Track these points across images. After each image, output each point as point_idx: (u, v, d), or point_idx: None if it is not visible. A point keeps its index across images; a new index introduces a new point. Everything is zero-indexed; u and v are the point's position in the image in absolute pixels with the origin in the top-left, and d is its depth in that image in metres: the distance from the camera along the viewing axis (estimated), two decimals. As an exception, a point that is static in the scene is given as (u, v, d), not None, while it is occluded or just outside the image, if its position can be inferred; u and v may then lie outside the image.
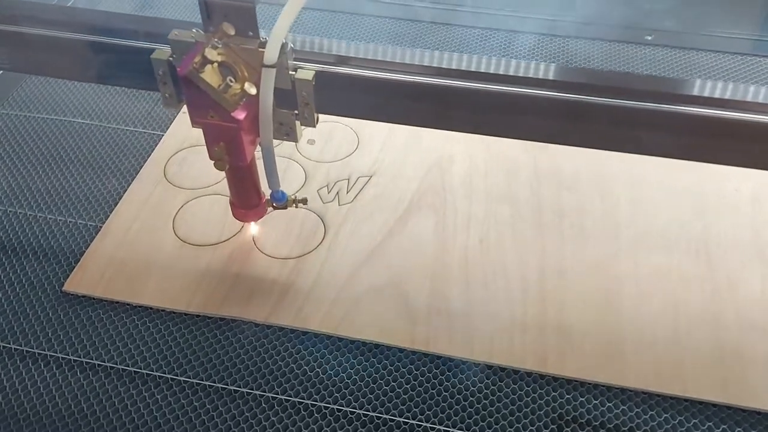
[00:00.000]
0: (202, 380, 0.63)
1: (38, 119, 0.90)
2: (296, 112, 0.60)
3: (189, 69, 0.55)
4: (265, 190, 0.68)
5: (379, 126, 0.88)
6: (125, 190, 0.80)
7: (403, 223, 0.76)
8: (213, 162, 0.62)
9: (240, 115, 0.57)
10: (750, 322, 0.67)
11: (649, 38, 1.02)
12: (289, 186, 0.80)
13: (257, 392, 0.62)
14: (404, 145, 0.85)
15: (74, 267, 0.72)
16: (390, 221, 0.77)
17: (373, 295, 0.69)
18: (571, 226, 0.76)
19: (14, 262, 0.73)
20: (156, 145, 0.85)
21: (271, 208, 0.70)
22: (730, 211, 0.77)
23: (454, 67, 0.58)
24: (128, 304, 0.69)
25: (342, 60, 0.59)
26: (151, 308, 0.68)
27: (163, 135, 0.87)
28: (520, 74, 0.57)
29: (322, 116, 0.71)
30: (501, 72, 0.58)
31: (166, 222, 0.76)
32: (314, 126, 0.61)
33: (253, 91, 0.56)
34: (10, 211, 0.78)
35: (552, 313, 0.68)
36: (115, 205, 0.78)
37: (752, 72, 0.97)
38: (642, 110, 0.55)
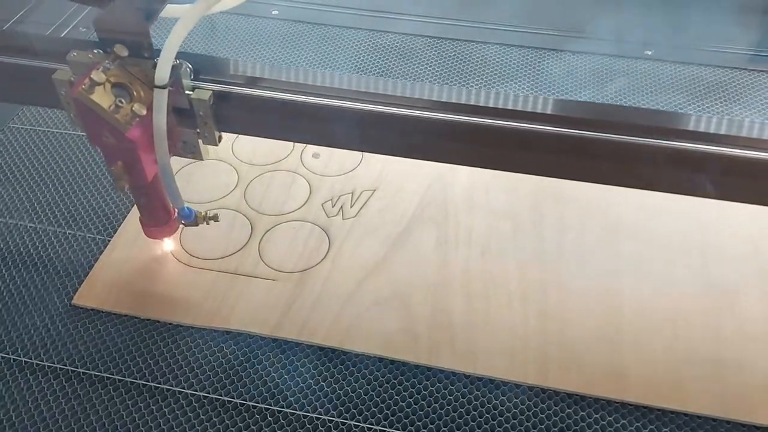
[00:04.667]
0: (209, 393, 0.64)
1: (47, 133, 0.91)
2: (198, 130, 0.61)
3: (77, 90, 0.56)
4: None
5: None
6: (133, 205, 0.81)
7: (406, 236, 0.78)
8: (114, 181, 0.63)
9: (134, 134, 0.58)
10: (750, 335, 0.68)
11: (649, 53, 1.03)
12: (293, 200, 0.81)
13: (263, 406, 0.63)
14: (407, 160, 0.86)
15: (83, 280, 0.73)
16: (393, 235, 0.78)
17: (376, 308, 0.70)
18: (571, 241, 0.77)
19: (24, 275, 0.74)
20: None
21: (181, 225, 0.70)
22: (730, 225, 0.78)
23: (353, 87, 0.60)
24: (136, 318, 0.70)
25: (248, 80, 0.60)
26: (158, 321, 0.70)
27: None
28: (433, 98, 0.59)
29: None
30: (395, 93, 0.59)
31: (173, 236, 0.77)
32: (216, 144, 0.62)
33: (143, 111, 0.58)
34: (20, 225, 0.79)
35: (553, 327, 0.69)
36: (123, 219, 0.80)
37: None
38: (644, 146, 0.56)
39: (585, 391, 0.64)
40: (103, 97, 0.57)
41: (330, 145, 0.67)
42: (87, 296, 0.72)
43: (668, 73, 1.00)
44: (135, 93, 0.58)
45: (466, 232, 0.78)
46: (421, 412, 0.63)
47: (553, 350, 0.67)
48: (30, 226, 0.79)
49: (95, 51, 0.59)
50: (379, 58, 1.03)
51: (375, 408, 0.63)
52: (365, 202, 0.81)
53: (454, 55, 1.03)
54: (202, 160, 0.65)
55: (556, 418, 0.62)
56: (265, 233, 0.78)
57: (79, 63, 0.59)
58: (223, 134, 0.63)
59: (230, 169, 0.85)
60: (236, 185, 0.83)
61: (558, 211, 0.80)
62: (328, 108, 0.60)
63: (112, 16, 0.58)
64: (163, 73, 0.57)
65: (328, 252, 0.76)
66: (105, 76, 0.57)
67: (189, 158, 0.65)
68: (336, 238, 0.77)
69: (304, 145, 0.88)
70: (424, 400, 0.64)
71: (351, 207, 0.81)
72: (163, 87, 0.57)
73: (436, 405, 0.63)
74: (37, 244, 0.77)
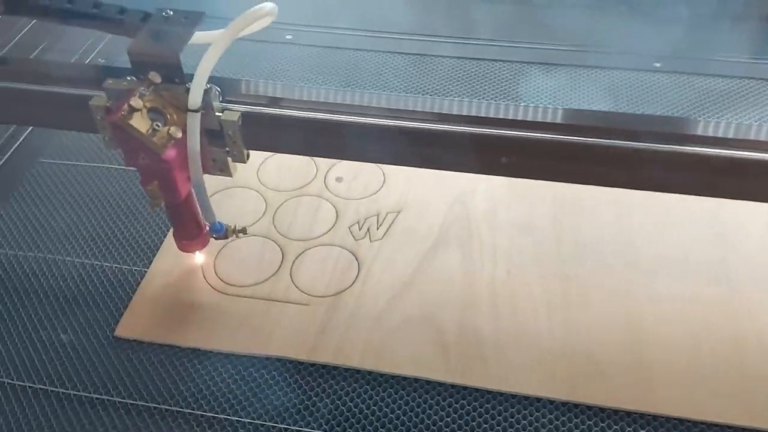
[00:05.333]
0: (254, 419, 0.66)
1: (76, 167, 0.94)
2: (227, 149, 0.65)
3: (117, 116, 0.60)
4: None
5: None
6: (165, 235, 0.84)
7: (432, 255, 0.80)
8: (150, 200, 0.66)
9: (170, 155, 0.62)
10: (772, 343, 0.70)
11: (658, 65, 1.05)
12: (321, 224, 0.84)
13: (305, 430, 0.66)
14: (428, 180, 0.89)
15: (123, 312, 0.76)
16: (419, 254, 0.80)
17: (406, 329, 0.73)
18: (592, 254, 0.79)
19: (65, 308, 0.77)
20: (191, 189, 0.89)
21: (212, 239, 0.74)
22: (749, 234, 0.80)
23: (365, 103, 0.65)
24: (177, 347, 0.73)
25: (270, 101, 0.65)
26: (199, 349, 0.72)
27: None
28: (443, 111, 0.64)
29: None
30: (416, 108, 0.65)
31: (208, 264, 0.80)
32: (245, 161, 0.67)
33: (178, 134, 0.61)
34: (58, 259, 0.82)
35: (578, 340, 0.71)
36: (157, 249, 0.82)
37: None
38: (654, 151, 0.60)
39: (614, 405, 0.66)
40: (140, 122, 0.61)
41: (351, 158, 0.73)
42: (129, 327, 0.74)
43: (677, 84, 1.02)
44: (169, 116, 0.62)
45: (490, 250, 0.80)
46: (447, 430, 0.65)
47: (580, 365, 0.69)
48: (68, 260, 0.82)
49: (129, 78, 0.63)
50: (394, 77, 1.05)
51: (414, 429, 0.65)
52: (391, 224, 0.84)
53: (467, 72, 1.06)
54: (230, 176, 0.69)
55: (589, 432, 0.64)
56: (296, 258, 0.80)
57: (115, 90, 0.63)
58: (251, 154, 0.67)
59: (257, 196, 0.88)
60: (264, 212, 0.86)
61: (577, 223, 0.82)
62: (346, 124, 0.64)
63: (144, 44, 0.62)
64: (195, 97, 0.61)
65: (357, 275, 0.78)
66: (142, 102, 0.61)
67: (218, 175, 0.68)
68: (365, 261, 0.80)
69: (327, 168, 0.91)
70: (461, 419, 0.66)
71: (377, 229, 0.83)
72: (196, 111, 0.61)
73: (474, 424, 0.65)
74: (75, 277, 0.80)
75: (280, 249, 0.81)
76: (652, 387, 0.67)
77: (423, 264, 0.79)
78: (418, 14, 1.18)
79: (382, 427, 0.66)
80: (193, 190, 0.69)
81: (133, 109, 0.60)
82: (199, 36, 0.64)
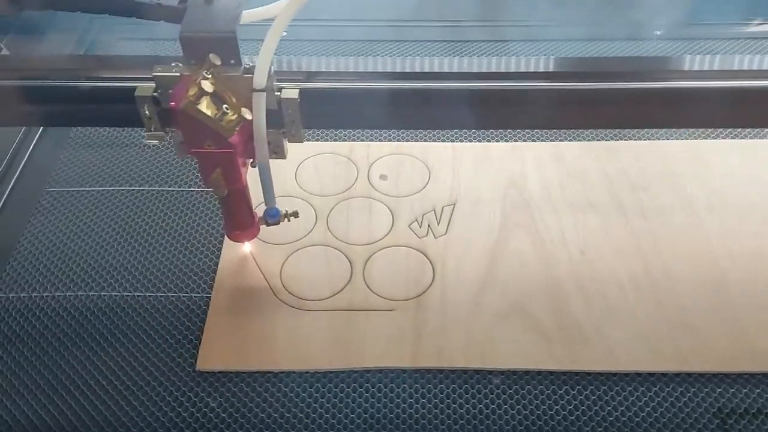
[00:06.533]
0: (374, 436, 0.64)
1: (91, 193, 0.86)
2: (283, 130, 0.64)
3: (186, 102, 0.57)
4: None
5: (442, 151, 0.90)
6: (210, 255, 0.78)
7: (502, 246, 0.79)
8: (212, 189, 0.65)
9: (235, 139, 0.60)
10: None
11: (658, 33, 1.08)
12: (378, 226, 0.81)
13: (430, 438, 0.64)
14: (473, 168, 0.88)
15: (196, 343, 0.70)
16: (488, 246, 0.79)
17: (502, 323, 0.71)
18: (659, 225, 0.80)
19: (140, 346, 0.70)
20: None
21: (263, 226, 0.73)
22: None
23: (426, 70, 0.67)
24: (269, 372, 0.68)
25: (319, 75, 0.65)
26: (293, 372, 0.68)
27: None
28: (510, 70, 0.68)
29: (386, 150, 0.90)
30: (477, 70, 0.67)
31: (273, 281, 0.75)
32: (301, 141, 0.65)
33: (249, 116, 0.60)
34: (116, 296, 0.75)
35: (672, 311, 0.72)
36: (207, 271, 0.77)
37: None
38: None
39: (724, 369, 0.67)
40: (209, 106, 0.58)
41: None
42: (210, 359, 0.69)
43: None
44: (228, 99, 0.60)
45: (557, 232, 0.80)
46: (573, 417, 0.65)
47: (679, 334, 0.70)
48: (126, 296, 0.75)
49: (175, 64, 0.60)
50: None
51: (537, 423, 0.64)
52: (450, 218, 0.82)
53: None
54: (284, 158, 0.67)
55: (711, 399, 0.65)
56: (365, 264, 0.77)
57: (166, 77, 0.60)
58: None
59: (303, 203, 0.84)
60: (316, 220, 0.82)
61: (635, 198, 0.83)
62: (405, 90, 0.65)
63: (197, 26, 0.59)
64: (262, 76, 0.59)
65: (434, 274, 0.76)
66: (212, 85, 0.58)
67: (272, 158, 0.66)
68: (435, 259, 0.78)
69: (367, 167, 0.88)
70: (584, 405, 0.65)
71: (438, 224, 0.81)
72: (262, 90, 0.59)
73: (600, 408, 0.65)
74: (140, 312, 0.73)
75: (345, 256, 0.78)
76: (756, 345, 0.69)
77: (496, 254, 0.78)
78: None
79: (502, 426, 0.64)
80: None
81: (203, 93, 0.58)
82: (253, 13, 0.61)
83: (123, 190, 0.87)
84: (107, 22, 1.10)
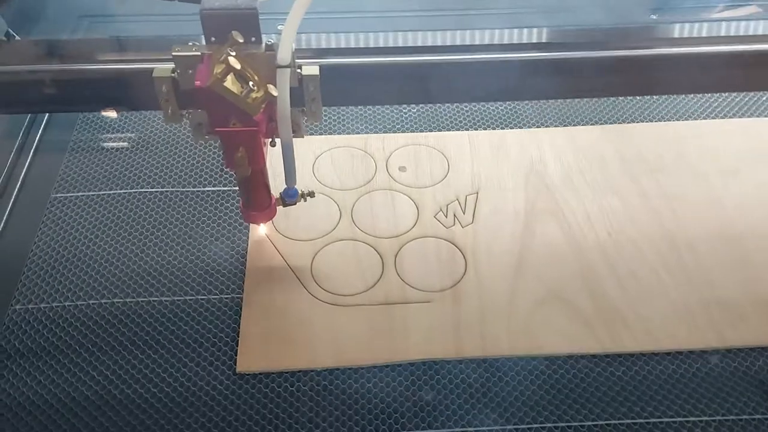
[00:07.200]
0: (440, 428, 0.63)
1: (100, 197, 0.83)
2: (303, 108, 0.63)
3: (213, 80, 0.56)
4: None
5: (458, 139, 0.89)
6: (235, 254, 0.76)
7: (531, 232, 0.79)
8: (235, 170, 0.63)
9: (260, 117, 0.59)
10: None
11: (654, 17, 1.09)
12: (403, 218, 0.80)
13: (483, 429, 0.63)
14: (491, 155, 0.87)
15: (232, 345, 0.69)
16: (516, 233, 0.79)
17: (541, 309, 0.71)
18: (679, 204, 0.81)
19: (175, 351, 0.68)
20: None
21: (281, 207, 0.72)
22: None
23: (448, 43, 0.67)
24: (312, 371, 0.67)
25: (333, 52, 0.65)
26: (338, 369, 0.67)
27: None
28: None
29: (402, 141, 0.90)
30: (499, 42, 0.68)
31: (305, 278, 0.74)
32: (320, 121, 0.65)
33: (275, 92, 0.58)
34: (153, 301, 0.72)
35: (704, 288, 0.73)
36: (239, 272, 0.75)
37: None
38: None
39: (764, 343, 0.68)
40: (234, 84, 0.57)
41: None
42: (250, 361, 0.67)
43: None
44: (250, 77, 0.58)
45: (583, 216, 0.80)
46: (620, 398, 0.65)
47: (715, 311, 0.71)
48: (154, 301, 0.72)
49: (192, 43, 0.59)
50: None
51: (587, 407, 0.65)
52: (475, 207, 0.81)
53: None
54: (302, 137, 0.66)
55: (751, 373, 0.66)
56: (396, 256, 0.76)
57: (186, 57, 0.58)
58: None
59: (325, 199, 0.82)
60: (340, 215, 0.81)
61: (653, 180, 0.84)
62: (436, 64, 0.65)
63: (218, 3, 0.58)
64: (286, 53, 0.57)
65: (466, 263, 0.76)
66: (239, 62, 0.56)
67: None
68: (465, 248, 0.77)
69: (385, 159, 0.87)
70: (617, 386, 0.66)
71: (464, 213, 0.81)
72: (286, 66, 0.58)
73: (656, 386, 0.66)
74: (172, 316, 0.71)
75: (375, 249, 0.77)
76: (789, 319, 0.70)
77: (526, 241, 0.78)
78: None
79: (553, 411, 0.64)
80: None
81: (229, 70, 0.56)
82: None
83: (133, 192, 0.84)
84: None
